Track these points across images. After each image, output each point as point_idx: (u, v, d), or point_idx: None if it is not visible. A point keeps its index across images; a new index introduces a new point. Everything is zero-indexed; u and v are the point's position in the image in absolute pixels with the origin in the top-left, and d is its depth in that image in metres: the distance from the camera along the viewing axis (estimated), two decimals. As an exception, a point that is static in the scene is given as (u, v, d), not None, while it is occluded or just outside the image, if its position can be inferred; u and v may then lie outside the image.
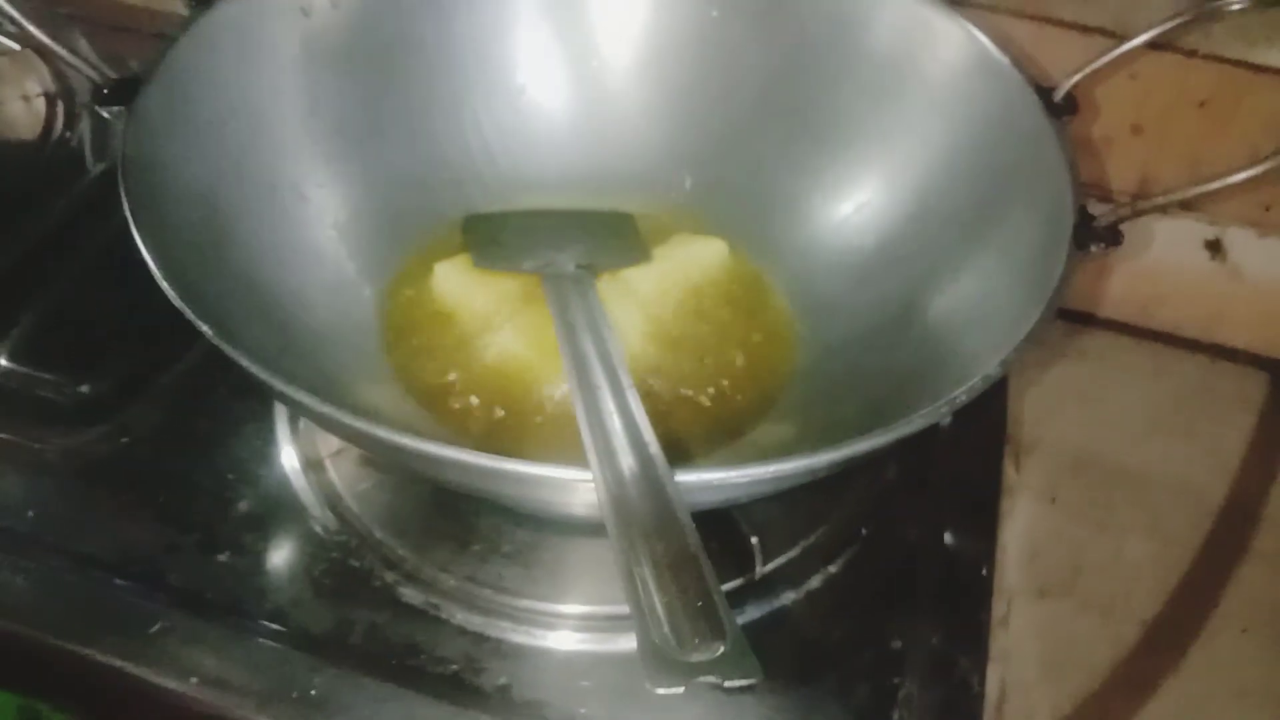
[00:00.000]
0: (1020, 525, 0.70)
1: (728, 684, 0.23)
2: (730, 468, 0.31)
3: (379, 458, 0.45)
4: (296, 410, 0.38)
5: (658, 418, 0.34)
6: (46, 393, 0.49)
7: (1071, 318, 0.79)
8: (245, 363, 0.32)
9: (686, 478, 0.30)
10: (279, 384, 0.32)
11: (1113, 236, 0.38)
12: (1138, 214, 0.38)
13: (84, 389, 0.49)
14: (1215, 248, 0.72)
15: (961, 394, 0.33)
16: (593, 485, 0.30)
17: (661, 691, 0.23)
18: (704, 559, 0.27)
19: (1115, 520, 0.71)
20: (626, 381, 0.36)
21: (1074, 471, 0.73)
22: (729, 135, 0.52)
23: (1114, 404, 0.76)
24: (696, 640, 0.24)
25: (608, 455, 0.31)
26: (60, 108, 0.63)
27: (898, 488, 0.49)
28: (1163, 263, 0.74)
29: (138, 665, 0.41)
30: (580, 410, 0.34)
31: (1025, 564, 0.68)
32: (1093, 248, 0.37)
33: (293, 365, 0.40)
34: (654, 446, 0.32)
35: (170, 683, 0.40)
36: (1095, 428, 0.75)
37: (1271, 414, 0.77)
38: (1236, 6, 0.41)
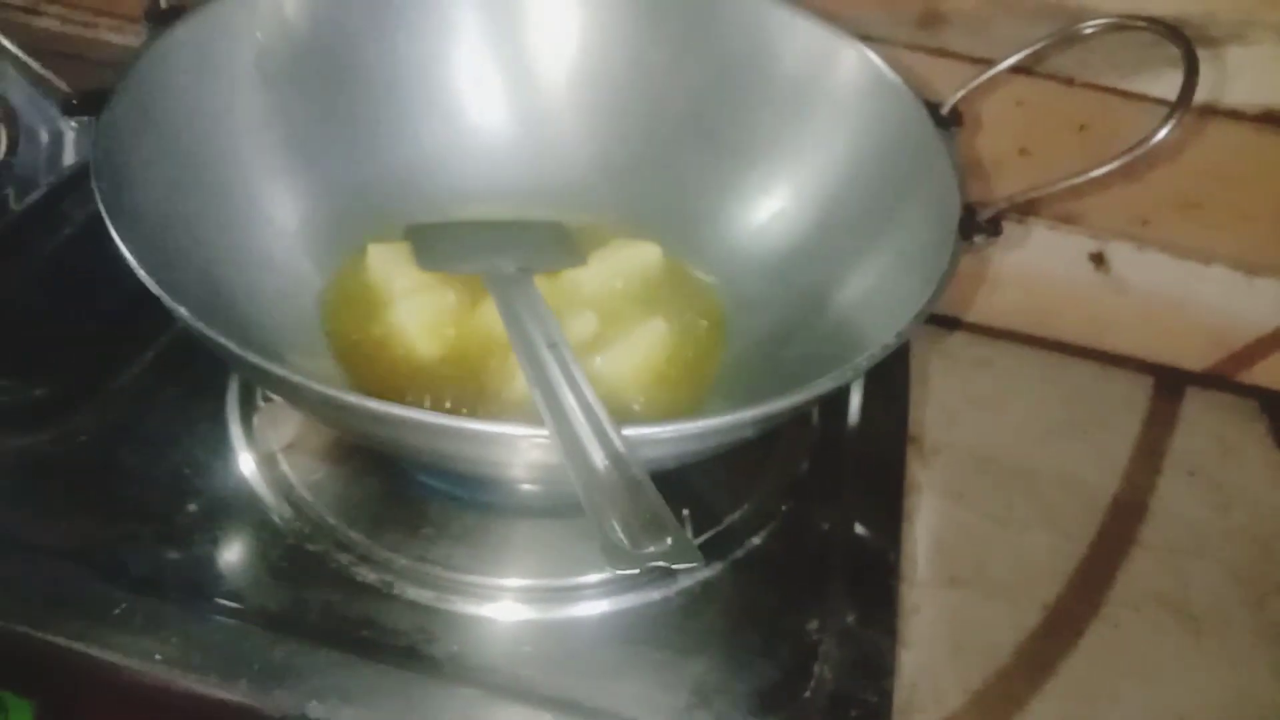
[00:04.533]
0: (929, 521, 0.74)
1: (675, 567, 0.27)
2: (667, 423, 0.35)
3: (346, 433, 0.47)
4: (276, 387, 0.40)
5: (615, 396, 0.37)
6: (1, 397, 0.51)
7: (973, 329, 0.84)
8: (220, 339, 0.35)
9: (630, 431, 0.34)
10: (253, 357, 0.34)
11: (993, 228, 0.43)
12: (1012, 206, 0.43)
13: (38, 392, 0.51)
14: (1099, 260, 0.78)
15: (863, 360, 0.38)
16: (548, 441, 0.34)
17: (620, 572, 0.27)
18: (648, 482, 0.31)
19: (1016, 515, 0.76)
20: (570, 357, 0.39)
21: (977, 471, 0.78)
22: (655, 151, 0.57)
23: (1013, 409, 0.82)
24: (647, 539, 0.28)
25: (561, 415, 0.35)
26: (3, 131, 0.64)
27: (812, 473, 0.53)
28: (1052, 276, 0.80)
29: (100, 649, 0.42)
30: (532, 381, 0.38)
31: (934, 556, 0.73)
32: (976, 238, 0.42)
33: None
34: (599, 406, 0.35)
35: (133, 663, 0.42)
36: (996, 431, 0.80)
37: (1156, 415, 0.83)
38: (1089, 30, 0.46)
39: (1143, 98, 0.68)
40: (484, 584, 0.46)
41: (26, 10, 0.78)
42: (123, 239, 0.38)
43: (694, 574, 0.47)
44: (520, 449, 0.35)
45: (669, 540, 0.28)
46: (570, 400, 0.36)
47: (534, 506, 0.49)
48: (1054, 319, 0.82)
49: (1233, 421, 0.83)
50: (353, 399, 0.34)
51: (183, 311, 0.35)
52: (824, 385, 0.36)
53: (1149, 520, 0.76)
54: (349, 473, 0.50)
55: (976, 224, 0.43)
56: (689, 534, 0.47)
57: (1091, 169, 0.41)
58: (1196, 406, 0.83)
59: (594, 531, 0.30)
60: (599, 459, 0.32)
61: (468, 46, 0.56)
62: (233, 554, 0.46)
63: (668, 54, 0.56)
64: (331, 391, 0.34)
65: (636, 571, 0.27)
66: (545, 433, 0.33)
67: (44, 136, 0.62)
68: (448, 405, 0.47)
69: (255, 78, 0.51)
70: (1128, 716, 0.65)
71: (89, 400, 0.51)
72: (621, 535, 0.28)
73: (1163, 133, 0.41)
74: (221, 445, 0.50)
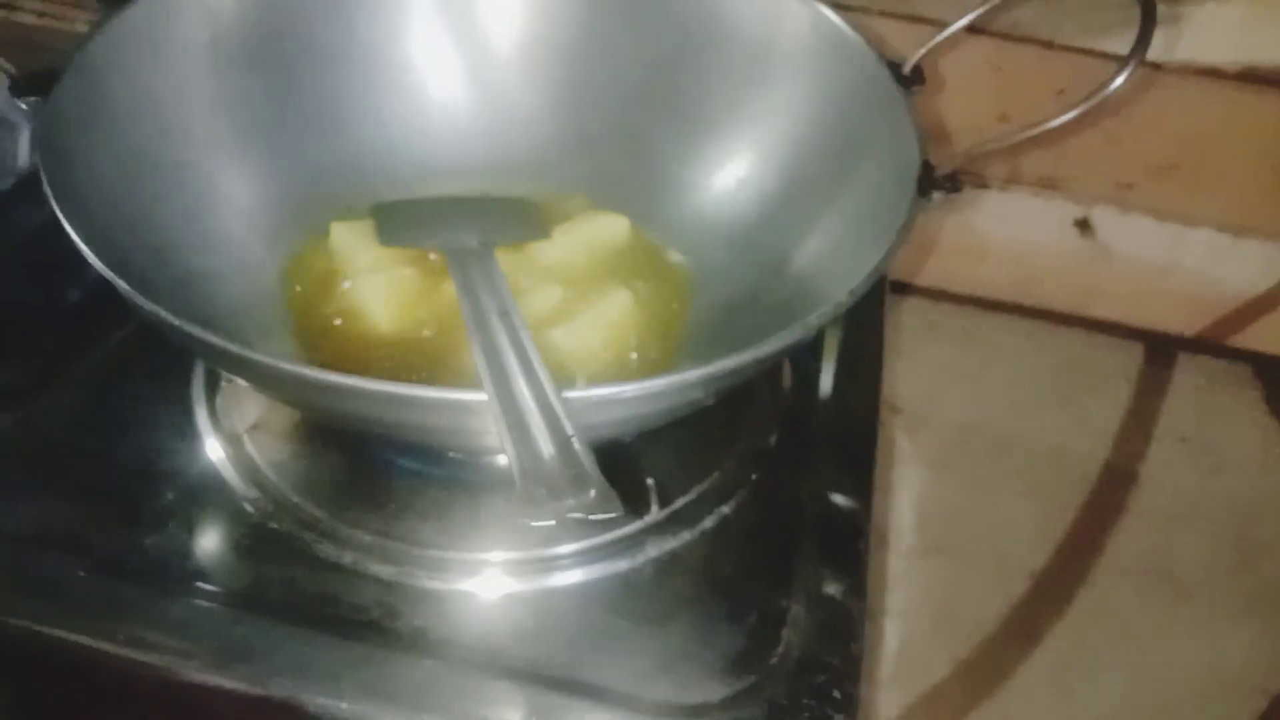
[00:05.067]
0: (914, 492, 0.74)
1: (592, 516, 0.27)
2: (611, 385, 0.34)
3: (304, 410, 0.47)
4: (228, 364, 0.40)
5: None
6: (-38, 383, 0.51)
7: (958, 300, 0.84)
8: (171, 319, 0.35)
9: (572, 394, 0.34)
10: (199, 331, 0.34)
11: (952, 184, 0.42)
12: (970, 160, 0.42)
13: (2, 377, 0.51)
14: (1084, 226, 0.78)
15: (814, 319, 0.37)
16: (486, 405, 0.33)
17: (535, 524, 0.26)
18: (580, 439, 0.30)
19: (1001, 485, 0.75)
20: (520, 324, 0.39)
21: (962, 442, 0.78)
22: (616, 122, 0.56)
23: (997, 379, 0.81)
24: (570, 493, 0.28)
25: (502, 379, 0.34)
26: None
27: (783, 443, 0.53)
28: (1036, 243, 0.79)
29: (61, 629, 0.42)
30: (477, 347, 0.37)
31: (919, 527, 0.73)
32: (934, 195, 0.42)
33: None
34: (543, 371, 0.35)
35: (94, 643, 0.42)
36: (980, 402, 0.80)
37: (1145, 382, 0.83)
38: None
39: (1121, 59, 0.67)
40: (449, 558, 0.46)
41: (3, 5, 0.78)
42: (69, 219, 0.38)
43: (664, 543, 0.47)
44: (461, 414, 0.35)
45: (591, 492, 0.28)
46: (513, 365, 0.35)
47: (498, 481, 0.48)
48: (1040, 288, 0.82)
49: (1226, 387, 0.82)
50: (294, 369, 0.34)
51: (134, 293, 0.35)
52: (771, 345, 0.36)
53: (1137, 487, 0.76)
54: (313, 452, 0.49)
55: (935, 180, 0.42)
56: (654, 503, 0.47)
57: (1049, 120, 0.41)
58: (1188, 372, 0.82)
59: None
60: (535, 422, 0.32)
61: (423, 23, 0.56)
62: (197, 534, 0.46)
63: (623, 23, 0.55)
64: (277, 363, 0.34)
65: (553, 523, 0.27)
66: (483, 396, 0.33)
67: (22, 127, 0.62)
68: (402, 376, 0.46)
69: (210, 59, 0.51)
70: (1116, 684, 0.65)
71: (52, 386, 0.51)
72: (543, 489, 0.28)
73: (1118, 81, 0.40)
74: (186, 427, 0.50)
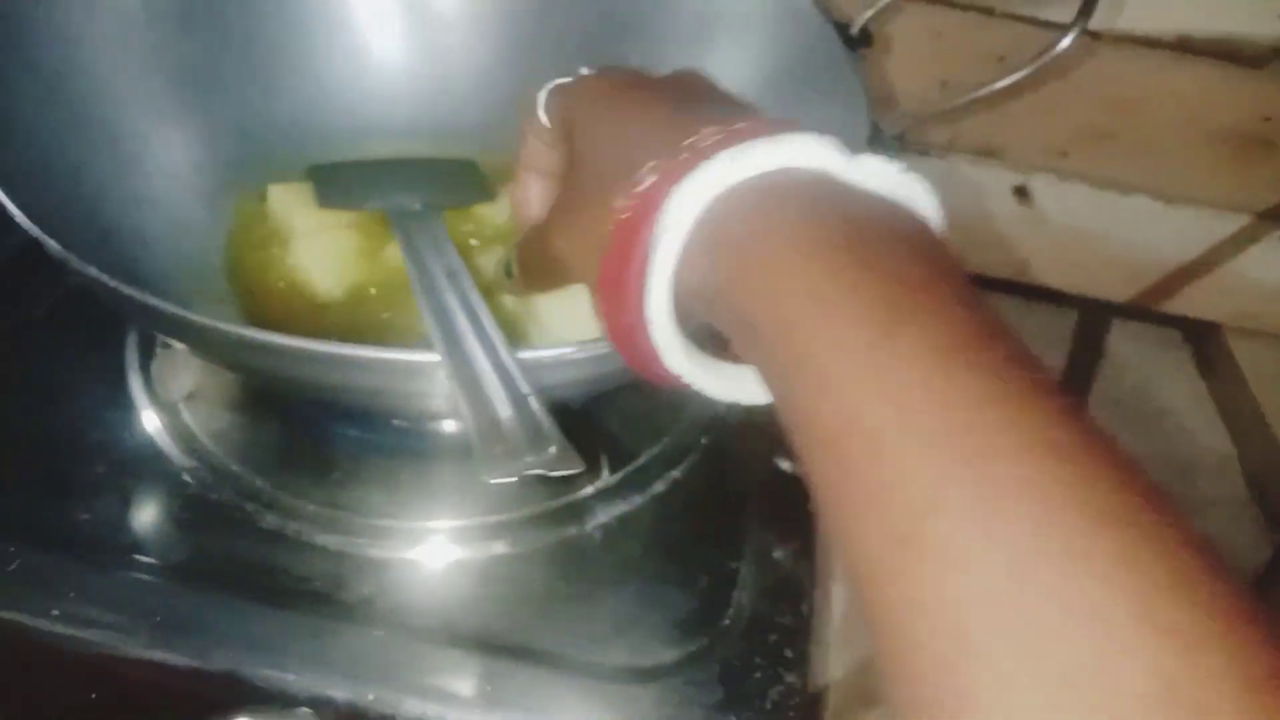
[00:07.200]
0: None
1: (554, 473, 0.26)
2: (562, 346, 0.34)
3: (245, 374, 0.46)
4: (167, 329, 0.39)
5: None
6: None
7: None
8: (108, 281, 0.33)
9: (525, 354, 0.33)
10: (146, 297, 0.33)
11: (902, 145, 0.42)
12: (917, 122, 0.43)
13: (-78, 347, 0.49)
14: (1022, 194, 0.79)
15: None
16: (438, 366, 0.33)
17: (495, 481, 0.26)
18: (535, 397, 0.30)
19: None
20: (469, 285, 0.38)
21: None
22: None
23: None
24: (529, 450, 0.28)
25: (453, 339, 0.34)
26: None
27: (732, 407, 0.52)
28: (976, 211, 0.80)
29: (-8, 606, 0.40)
30: (426, 310, 0.37)
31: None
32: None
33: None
34: (494, 330, 0.34)
35: (29, 620, 0.40)
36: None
37: (1080, 348, 0.84)
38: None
39: (1061, 27, 0.68)
40: (397, 526, 0.45)
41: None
42: (5, 186, 0.36)
43: (615, 509, 0.47)
44: (412, 375, 0.34)
45: (551, 449, 0.27)
46: (464, 324, 0.35)
47: (445, 447, 0.48)
48: (978, 254, 0.83)
49: (1157, 350, 0.84)
50: (241, 331, 0.32)
51: (67, 254, 0.34)
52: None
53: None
54: (253, 421, 0.48)
55: (884, 142, 0.42)
56: (605, 468, 0.47)
57: (994, 82, 0.41)
58: (1121, 338, 0.84)
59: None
60: (489, 381, 0.31)
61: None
62: (134, 506, 0.45)
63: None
64: (216, 324, 0.33)
65: (515, 479, 0.27)
66: (436, 357, 0.32)
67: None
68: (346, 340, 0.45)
69: (142, 13, 0.49)
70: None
71: (-21, 355, 0.49)
72: (501, 448, 0.27)
73: (1063, 44, 0.40)
74: (120, 396, 0.48)
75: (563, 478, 0.27)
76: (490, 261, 0.49)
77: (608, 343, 0.27)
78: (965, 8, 0.69)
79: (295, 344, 0.32)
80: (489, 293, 0.42)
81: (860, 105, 0.44)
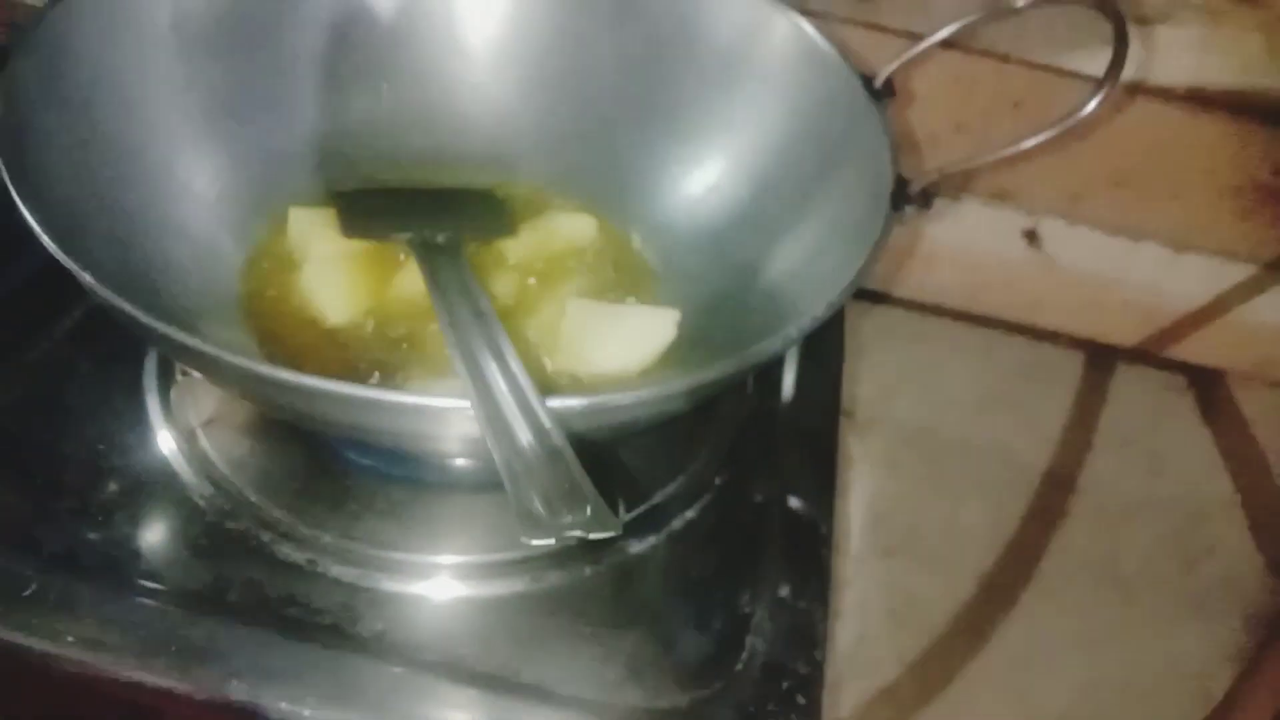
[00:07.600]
0: (865, 494, 0.75)
1: (591, 536, 0.26)
2: (593, 395, 0.34)
3: (262, 406, 0.46)
4: (188, 358, 0.39)
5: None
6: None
7: (908, 306, 0.85)
8: (127, 307, 0.33)
9: (555, 403, 0.33)
10: (161, 325, 0.33)
11: (924, 200, 0.42)
12: (943, 177, 0.43)
13: (-57, 365, 0.49)
14: (1032, 237, 0.79)
15: (793, 330, 0.37)
16: (470, 412, 0.33)
17: (535, 543, 0.26)
18: (569, 451, 0.30)
19: (950, 487, 0.77)
20: (497, 328, 0.39)
21: (911, 444, 0.79)
22: (587, 121, 0.56)
23: (947, 383, 0.83)
24: (565, 509, 0.28)
25: (484, 385, 0.34)
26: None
27: (746, 446, 0.53)
28: (987, 253, 0.80)
29: (10, 630, 0.40)
30: (455, 352, 0.37)
31: (869, 528, 0.73)
32: (907, 209, 0.42)
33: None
34: (524, 376, 0.34)
35: (45, 645, 0.40)
36: (930, 405, 0.81)
37: (1086, 390, 0.85)
38: (1022, 4, 0.46)
39: (1077, 75, 0.68)
40: (411, 560, 0.45)
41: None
42: (25, 201, 0.36)
43: (628, 548, 0.47)
44: (442, 420, 0.34)
45: (588, 509, 0.28)
46: (494, 371, 0.35)
47: (462, 482, 0.48)
48: (988, 295, 0.83)
49: (1161, 395, 0.84)
50: (260, 368, 0.33)
51: (88, 277, 0.34)
52: (753, 356, 0.36)
53: (1081, 491, 0.78)
54: (271, 448, 0.48)
55: (908, 195, 0.43)
56: (620, 509, 0.47)
57: (1023, 140, 0.41)
58: (1126, 380, 0.85)
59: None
60: (521, 430, 0.31)
61: (393, 15, 0.55)
62: (150, 532, 0.45)
63: (597, 22, 0.55)
64: (239, 360, 0.33)
65: (553, 542, 0.27)
66: (467, 404, 0.33)
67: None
68: (363, 371, 0.46)
69: (171, 40, 0.49)
70: (1064, 684, 0.66)
71: (1, 373, 0.49)
72: (539, 505, 0.28)
73: (1091, 105, 0.41)
74: (139, 420, 0.48)
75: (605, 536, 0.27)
76: (504, 293, 0.50)
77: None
78: (982, 54, 0.70)
79: (315, 384, 0.32)
80: (507, 318, 0.42)
81: (884, 157, 0.45)
